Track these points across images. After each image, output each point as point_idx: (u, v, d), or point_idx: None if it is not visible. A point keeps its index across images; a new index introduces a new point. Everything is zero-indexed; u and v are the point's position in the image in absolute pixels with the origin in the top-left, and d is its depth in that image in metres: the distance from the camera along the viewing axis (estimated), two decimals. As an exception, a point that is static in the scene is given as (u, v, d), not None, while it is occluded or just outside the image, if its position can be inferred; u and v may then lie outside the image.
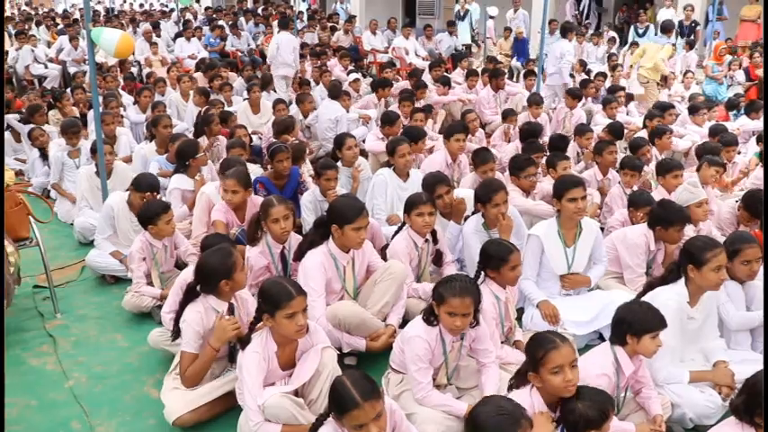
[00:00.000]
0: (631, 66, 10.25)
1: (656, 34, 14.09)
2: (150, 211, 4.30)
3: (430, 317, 3.04)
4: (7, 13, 22.66)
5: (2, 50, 6.97)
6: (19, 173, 6.63)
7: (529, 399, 2.63)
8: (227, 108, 8.03)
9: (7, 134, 7.65)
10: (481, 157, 5.15)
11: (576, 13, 16.89)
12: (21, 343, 4.07)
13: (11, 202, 4.14)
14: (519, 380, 2.77)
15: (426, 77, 10.14)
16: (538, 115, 7.71)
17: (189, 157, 5.42)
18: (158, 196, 4.79)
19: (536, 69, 9.74)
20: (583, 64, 11.55)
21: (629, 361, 2.90)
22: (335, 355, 3.07)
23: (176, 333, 3.39)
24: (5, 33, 14.92)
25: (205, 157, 5.57)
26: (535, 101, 7.85)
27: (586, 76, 10.33)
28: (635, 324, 2.86)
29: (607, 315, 3.30)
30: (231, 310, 3.32)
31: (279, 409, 2.78)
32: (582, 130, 6.68)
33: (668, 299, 3.22)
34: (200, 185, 5.26)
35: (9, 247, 3.99)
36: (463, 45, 14.76)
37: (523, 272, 3.73)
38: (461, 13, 15.30)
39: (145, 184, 4.72)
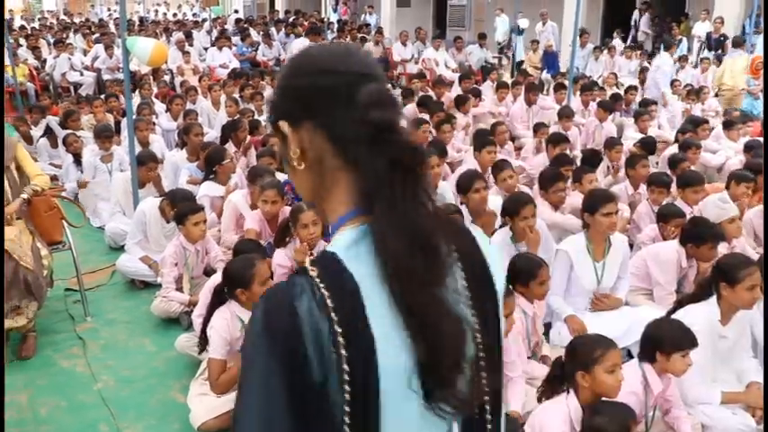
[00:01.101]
0: (717, 91, 10.28)
1: (688, 48, 14.01)
2: (181, 211, 4.38)
3: None
4: (45, 23, 23.14)
5: (2, 53, 7.12)
6: (54, 178, 6.75)
7: (565, 406, 2.59)
8: (257, 117, 8.11)
9: (43, 140, 7.81)
10: (498, 167, 5.19)
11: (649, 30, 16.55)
12: (52, 345, 4.13)
13: (45, 207, 4.21)
14: (552, 387, 2.73)
15: (456, 89, 10.14)
16: (569, 128, 7.66)
17: (216, 163, 5.48)
18: None
19: (566, 83, 9.67)
20: (614, 77, 11.46)
21: (658, 379, 2.85)
22: None
23: (204, 342, 3.42)
24: (44, 42, 15.27)
25: (231, 164, 5.60)
26: (566, 113, 7.80)
27: (617, 90, 10.26)
28: (664, 341, 2.81)
29: (636, 332, 3.25)
30: None
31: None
32: (611, 143, 6.58)
33: (699, 316, 3.15)
34: (229, 193, 5.31)
35: (43, 251, 4.07)
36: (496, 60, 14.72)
37: (552, 287, 3.70)
38: (519, 28, 15.10)
39: (180, 198, 4.77)
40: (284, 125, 1.06)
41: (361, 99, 1.00)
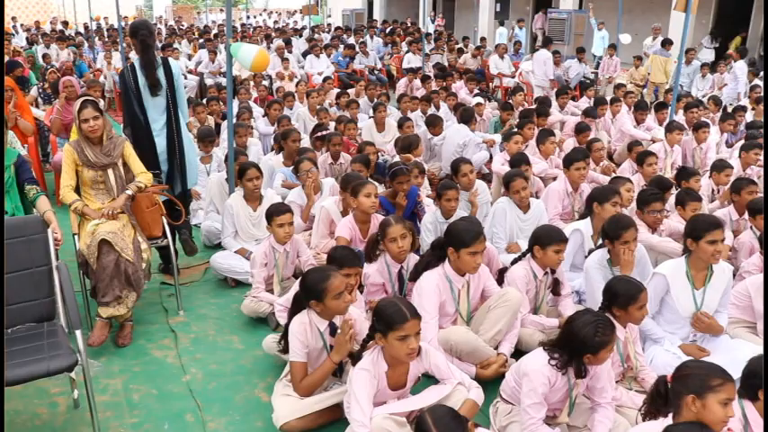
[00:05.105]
0: None
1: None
2: (268, 211, 4.49)
3: (567, 365, 2.92)
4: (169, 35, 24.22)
5: (2, 53, 7.50)
6: (156, 175, 7.04)
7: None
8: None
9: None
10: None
11: None
12: (146, 335, 4.31)
13: (147, 203, 4.40)
14: (655, 407, 2.60)
15: (552, 105, 9.95)
16: (678, 141, 7.43)
17: (295, 169, 5.66)
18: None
19: (669, 102, 9.27)
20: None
21: (760, 419, 2.66)
22: (464, 396, 3.02)
23: (285, 341, 3.44)
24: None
25: (305, 176, 5.63)
26: (676, 127, 7.53)
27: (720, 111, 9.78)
28: None
29: (736, 367, 3.05)
30: (333, 330, 3.32)
31: (381, 430, 2.78)
32: (720, 165, 6.22)
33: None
34: (311, 199, 5.46)
35: (143, 244, 4.25)
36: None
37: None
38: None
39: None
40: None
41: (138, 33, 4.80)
